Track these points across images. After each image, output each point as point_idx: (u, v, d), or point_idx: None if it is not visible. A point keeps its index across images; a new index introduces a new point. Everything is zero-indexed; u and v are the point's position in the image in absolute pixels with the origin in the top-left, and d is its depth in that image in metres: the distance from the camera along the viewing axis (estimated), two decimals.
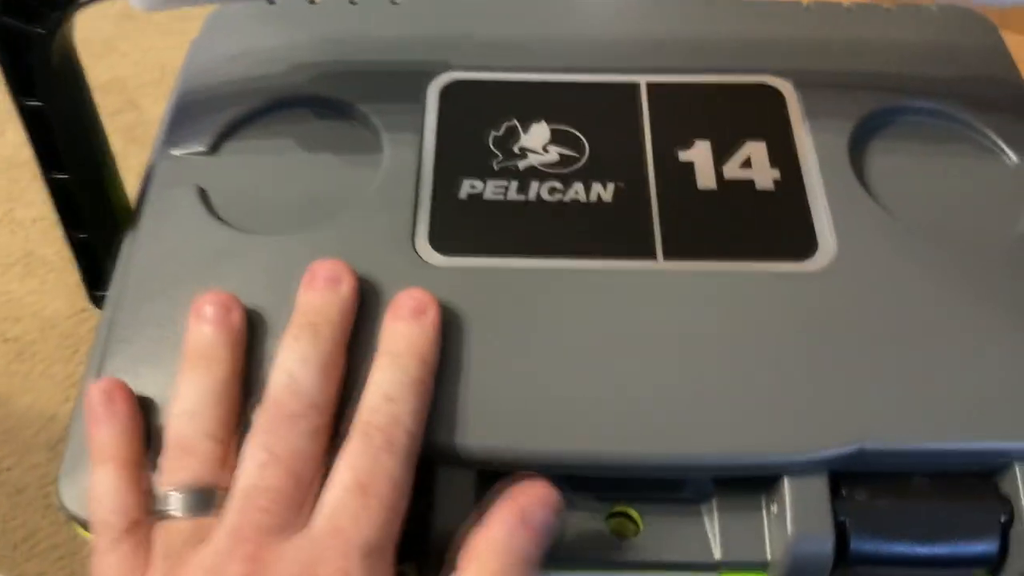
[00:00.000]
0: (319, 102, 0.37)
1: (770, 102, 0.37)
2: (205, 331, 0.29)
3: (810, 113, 0.36)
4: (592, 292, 0.31)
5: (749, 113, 0.36)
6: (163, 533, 0.26)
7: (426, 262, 0.32)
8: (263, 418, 0.27)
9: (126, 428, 0.28)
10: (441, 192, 0.34)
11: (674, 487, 0.30)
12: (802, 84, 0.37)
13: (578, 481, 0.30)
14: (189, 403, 0.28)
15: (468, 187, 0.34)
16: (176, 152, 0.35)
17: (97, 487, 0.27)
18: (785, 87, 0.37)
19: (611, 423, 0.29)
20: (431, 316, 0.29)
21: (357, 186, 0.34)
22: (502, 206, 0.33)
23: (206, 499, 0.26)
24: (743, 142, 0.35)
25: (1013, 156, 0.36)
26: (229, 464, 0.27)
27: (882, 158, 0.36)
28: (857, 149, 0.35)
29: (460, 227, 0.33)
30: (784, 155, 0.35)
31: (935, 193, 0.34)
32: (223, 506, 0.26)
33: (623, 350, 0.30)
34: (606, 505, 0.30)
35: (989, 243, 0.33)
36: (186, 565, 0.25)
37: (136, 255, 0.32)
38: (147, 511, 0.27)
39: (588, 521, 0.30)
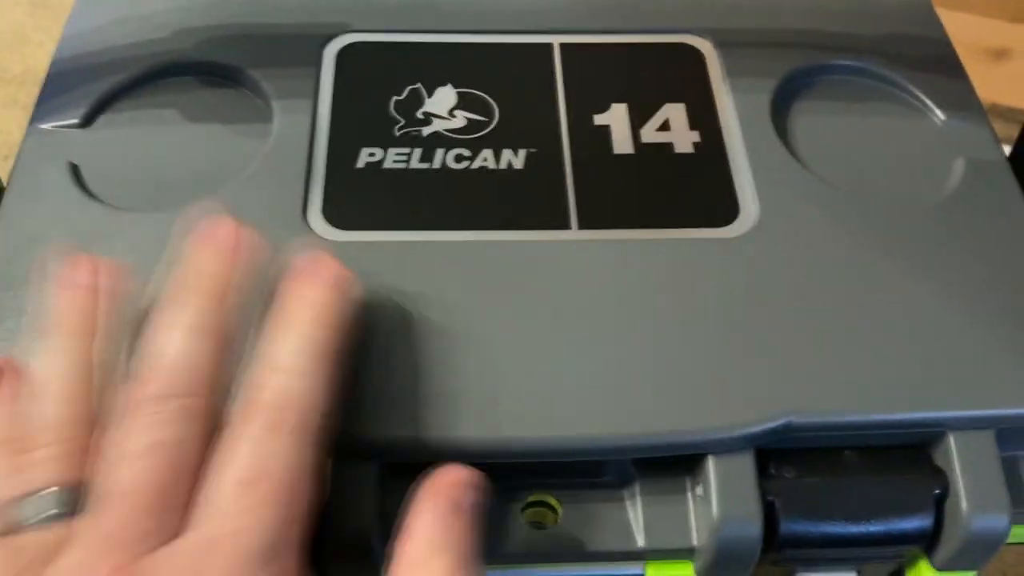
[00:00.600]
0: (205, 68, 0.34)
1: (689, 62, 0.35)
2: (71, 296, 0.25)
3: (731, 73, 0.34)
4: (502, 266, 0.29)
5: (667, 74, 0.34)
6: (9, 549, 0.21)
7: (320, 237, 0.29)
8: (132, 399, 0.23)
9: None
10: (336, 162, 0.31)
11: (593, 472, 0.28)
12: (722, 43, 0.35)
13: (491, 470, 0.28)
14: (47, 380, 0.23)
15: (367, 156, 0.31)
16: (45, 126, 0.32)
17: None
18: (704, 46, 0.35)
19: (523, 406, 0.26)
20: (344, 282, 0.25)
21: (244, 158, 0.31)
22: (404, 175, 0.31)
23: (65, 501, 0.22)
24: (661, 104, 0.33)
25: (940, 114, 0.34)
26: (94, 457, 0.23)
27: (805, 118, 0.34)
28: (780, 109, 0.34)
29: (358, 199, 0.30)
30: (704, 117, 0.33)
31: (861, 153, 0.33)
32: (89, 507, 0.22)
33: (535, 328, 0.28)
34: (522, 494, 0.28)
35: (917, 204, 0.31)
36: None
37: None
38: None
39: (503, 513, 0.28)
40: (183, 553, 0.21)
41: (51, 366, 0.24)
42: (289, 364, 0.23)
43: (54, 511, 0.22)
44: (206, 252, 0.25)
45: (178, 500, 0.22)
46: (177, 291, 0.24)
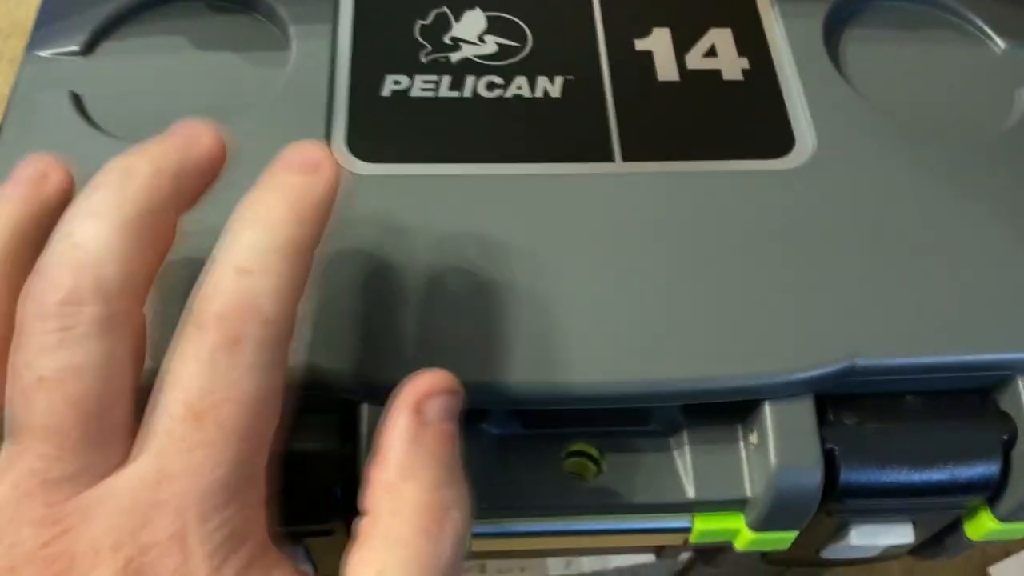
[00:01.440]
0: None
1: None
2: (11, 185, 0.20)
3: None
4: (541, 200, 0.27)
5: None
6: None
7: (345, 170, 0.27)
8: (30, 310, 0.18)
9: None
10: (360, 90, 0.29)
11: (639, 419, 0.27)
12: None
13: (529, 417, 0.26)
14: None
15: (392, 83, 0.29)
16: (44, 53, 0.30)
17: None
18: None
19: (567, 350, 0.24)
20: (326, 172, 0.21)
21: (260, 87, 0.29)
22: (432, 104, 0.29)
23: None
24: (707, 29, 0.31)
25: (1000, 43, 0.32)
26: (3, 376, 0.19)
27: (859, 46, 0.32)
28: (832, 36, 0.31)
29: (383, 129, 0.28)
30: (753, 43, 0.31)
31: (919, 82, 0.31)
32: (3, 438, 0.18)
33: (578, 267, 0.26)
34: (562, 443, 0.27)
35: (980, 135, 0.29)
36: None
37: None
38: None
39: (542, 462, 0.26)
40: (125, 492, 0.18)
41: None
42: (253, 263, 0.19)
43: None
44: (164, 138, 0.21)
45: (113, 430, 0.18)
46: (106, 171, 0.20)
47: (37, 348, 0.18)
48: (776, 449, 0.25)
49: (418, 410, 0.20)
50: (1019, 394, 0.26)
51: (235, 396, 0.18)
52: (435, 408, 0.20)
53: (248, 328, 0.18)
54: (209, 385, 0.18)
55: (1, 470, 0.18)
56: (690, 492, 0.26)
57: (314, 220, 0.20)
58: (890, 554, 0.31)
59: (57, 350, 0.18)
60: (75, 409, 0.18)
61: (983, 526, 0.28)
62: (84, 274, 0.18)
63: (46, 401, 0.18)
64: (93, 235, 0.18)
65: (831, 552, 0.30)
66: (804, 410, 0.25)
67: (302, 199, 0.20)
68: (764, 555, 0.31)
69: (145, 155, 0.20)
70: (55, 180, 0.21)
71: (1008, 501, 0.26)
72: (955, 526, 0.29)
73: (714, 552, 0.31)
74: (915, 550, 0.32)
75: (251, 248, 0.19)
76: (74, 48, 0.30)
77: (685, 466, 0.26)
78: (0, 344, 0.19)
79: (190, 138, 0.21)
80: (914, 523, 0.28)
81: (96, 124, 0.28)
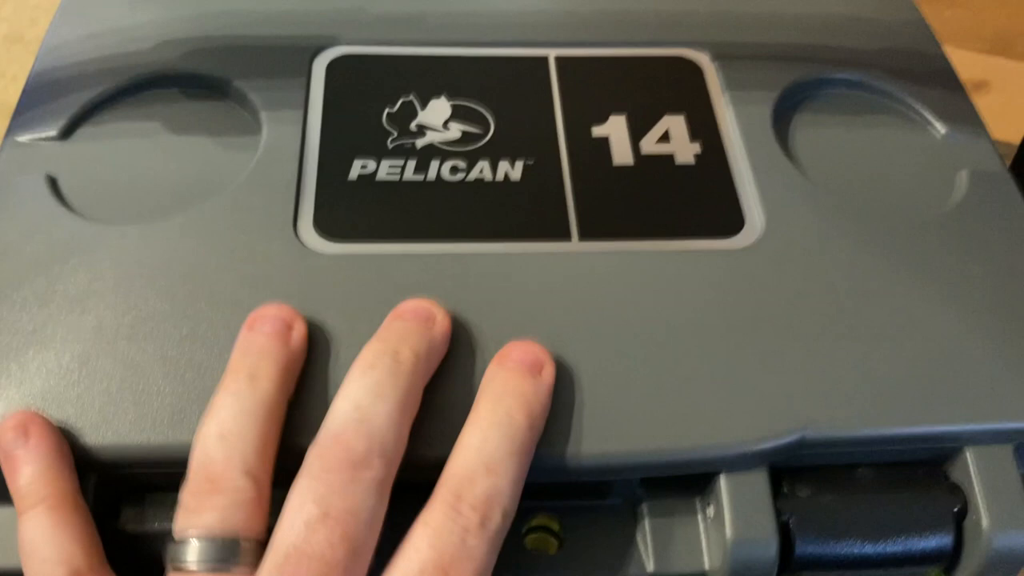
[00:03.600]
0: (191, 80, 0.32)
1: (688, 76, 0.34)
2: (255, 342, 0.24)
3: (730, 85, 0.34)
4: (500, 278, 0.28)
5: (666, 87, 0.34)
6: None
7: (310, 249, 0.28)
8: (317, 460, 0.22)
9: (51, 464, 0.23)
10: (328, 173, 0.30)
11: (598, 493, 0.27)
12: (720, 56, 0.35)
13: None
14: (224, 422, 0.23)
15: (359, 167, 0.30)
16: (23, 138, 0.31)
17: (28, 535, 0.23)
18: (702, 60, 0.35)
19: None
20: (548, 375, 0.25)
21: (231, 171, 0.30)
22: (398, 187, 0.30)
23: (231, 550, 0.22)
24: (661, 116, 0.33)
25: (940, 127, 0.34)
26: (263, 507, 0.22)
27: (807, 130, 0.33)
28: (780, 121, 0.33)
29: (350, 210, 0.29)
30: (705, 128, 0.32)
31: (865, 165, 0.32)
32: (251, 563, 0.22)
33: (536, 340, 0.26)
34: (523, 518, 0.27)
35: (923, 215, 0.31)
36: None
37: None
38: (95, 558, 0.23)
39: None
40: None
41: (228, 408, 0.23)
42: (497, 466, 0.23)
43: (218, 560, 0.22)
44: (406, 320, 0.25)
45: (346, 572, 0.21)
46: (376, 354, 0.24)
47: (327, 488, 0.22)
48: (732, 521, 0.25)
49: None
50: (968, 465, 0.27)
51: (472, 565, 0.22)
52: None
53: (491, 514, 0.23)
54: (458, 554, 0.22)
55: None
56: (650, 566, 0.26)
57: (542, 419, 0.24)
58: None
59: (343, 493, 0.22)
60: (347, 544, 0.21)
61: None
62: (371, 441, 0.22)
63: (325, 533, 0.21)
64: (379, 411, 0.23)
65: None
66: (758, 482, 0.26)
67: (533, 401, 0.24)
68: None
69: (406, 342, 0.24)
70: (300, 332, 0.25)
71: (964, 572, 0.27)
72: None
73: None
74: None
75: (496, 450, 0.23)
76: (52, 133, 0.31)
77: (645, 539, 0.27)
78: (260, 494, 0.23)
79: (428, 320, 0.26)
80: None
81: (70, 206, 0.29)
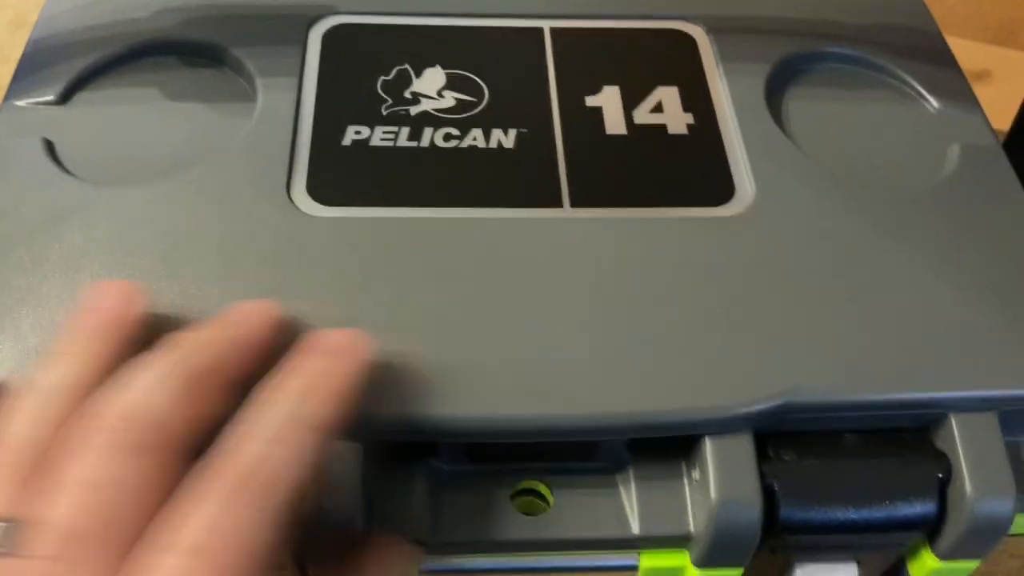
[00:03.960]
0: (187, 47, 0.33)
1: (681, 48, 0.34)
2: (84, 320, 0.23)
3: (724, 58, 0.34)
4: (491, 242, 0.28)
5: (659, 59, 0.34)
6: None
7: (303, 212, 0.28)
8: (78, 426, 0.21)
9: None
10: (322, 139, 0.30)
11: (586, 455, 0.27)
12: (714, 30, 0.35)
13: (480, 453, 0.27)
14: (30, 400, 0.22)
15: (353, 133, 0.30)
16: (20, 103, 0.31)
17: None
18: (697, 32, 0.35)
19: (514, 384, 0.25)
20: (357, 355, 0.24)
21: (226, 136, 0.30)
22: (392, 153, 0.30)
23: (13, 532, 0.20)
24: (654, 87, 0.33)
25: (933, 102, 0.34)
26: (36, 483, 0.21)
27: (799, 103, 0.33)
28: (774, 94, 0.33)
29: (343, 175, 0.29)
30: (698, 100, 0.33)
31: (857, 138, 0.32)
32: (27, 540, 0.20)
33: (527, 304, 0.27)
34: (512, 480, 0.27)
35: (914, 187, 0.31)
36: None
37: None
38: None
39: (492, 498, 0.27)
40: None
41: (40, 385, 0.22)
42: (267, 433, 0.21)
43: (8, 543, 0.20)
44: (230, 321, 0.24)
45: (110, 550, 0.20)
46: (185, 336, 0.23)
47: (75, 461, 0.20)
48: (716, 483, 0.25)
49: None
50: (953, 432, 0.27)
51: (230, 546, 0.20)
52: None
53: (251, 487, 0.20)
54: (208, 532, 0.20)
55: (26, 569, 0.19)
56: (635, 528, 0.27)
57: (331, 399, 0.23)
58: None
59: (100, 461, 0.20)
60: (100, 519, 0.20)
61: (925, 565, 0.28)
62: (143, 412, 0.21)
63: (70, 501, 0.20)
64: (160, 388, 0.21)
65: None
66: (743, 446, 0.26)
67: (332, 379, 0.23)
68: None
69: (219, 339, 0.23)
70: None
71: (946, 538, 0.27)
72: (899, 568, 0.30)
73: None
74: None
75: (266, 420, 0.22)
76: (50, 98, 0.31)
77: (631, 503, 0.27)
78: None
79: (240, 320, 0.24)
80: (858, 563, 0.29)
81: (66, 168, 0.29)
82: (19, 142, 0.30)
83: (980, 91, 0.37)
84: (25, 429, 0.22)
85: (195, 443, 0.22)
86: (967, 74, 0.35)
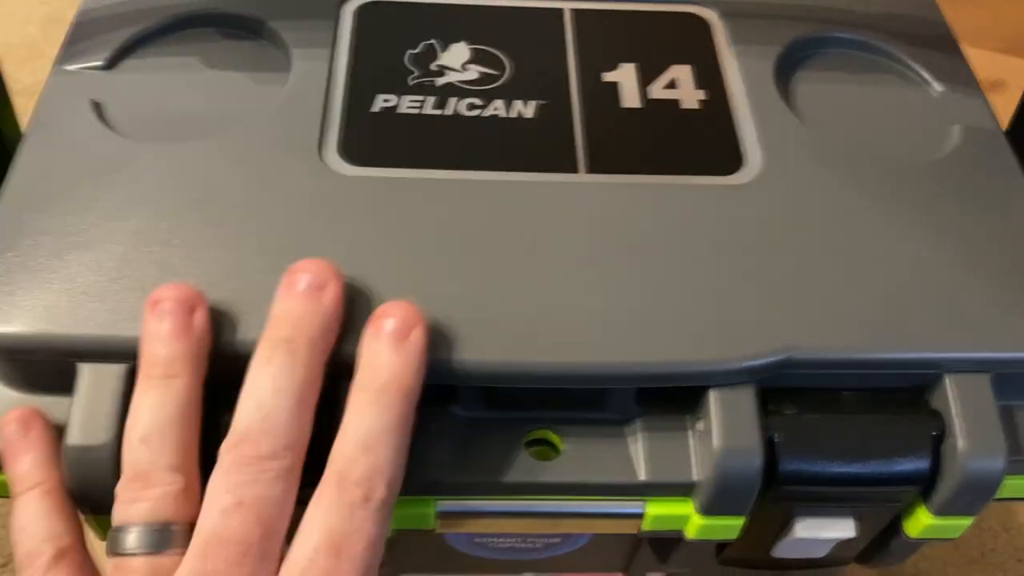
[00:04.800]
0: (227, 20, 0.35)
1: (695, 30, 0.36)
2: (163, 335, 0.25)
3: (736, 40, 0.35)
4: (511, 203, 0.30)
5: (674, 39, 0.36)
6: (116, 570, 0.24)
7: (335, 171, 0.30)
8: (229, 456, 0.24)
9: (45, 455, 0.26)
10: (352, 105, 0.32)
11: (596, 406, 0.29)
12: (728, 14, 0.36)
13: (494, 401, 0.29)
14: (143, 427, 0.25)
15: (382, 101, 0.32)
16: (70, 67, 0.33)
17: (21, 517, 0.26)
18: (710, 16, 0.37)
19: (529, 333, 0.27)
20: (417, 339, 0.26)
21: (262, 100, 0.32)
22: (418, 119, 0.32)
23: (164, 536, 0.24)
24: (669, 65, 0.34)
25: (937, 86, 0.35)
26: (190, 495, 0.25)
27: (808, 84, 0.35)
28: (783, 75, 0.35)
29: (372, 138, 0.31)
30: (710, 78, 0.34)
31: (861, 117, 0.34)
32: (182, 546, 0.24)
33: (543, 259, 0.28)
34: (525, 427, 0.29)
35: (911, 164, 0.32)
36: None
37: (20, 165, 0.30)
38: (79, 539, 0.25)
39: (506, 444, 0.28)
40: None
41: (149, 411, 0.25)
42: (374, 444, 0.25)
43: (146, 546, 0.24)
44: (296, 297, 0.26)
45: (261, 554, 0.24)
46: (272, 345, 0.25)
47: (239, 479, 0.24)
48: (719, 433, 0.27)
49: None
50: (948, 392, 0.28)
51: (359, 544, 0.24)
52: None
53: (373, 489, 0.24)
54: (347, 530, 0.24)
55: (188, 567, 0.23)
56: (642, 475, 0.28)
57: (415, 387, 0.25)
58: (838, 554, 0.32)
59: (253, 483, 0.24)
60: (260, 527, 0.24)
61: (920, 522, 0.29)
62: (275, 437, 0.24)
63: (240, 519, 0.23)
64: (279, 407, 0.25)
65: (781, 550, 0.32)
66: (746, 398, 0.27)
67: (403, 372, 0.25)
68: (719, 554, 0.33)
69: (298, 328, 0.25)
70: (202, 314, 0.26)
71: (940, 494, 0.28)
72: (896, 526, 0.31)
73: (670, 548, 0.32)
74: (862, 556, 0.34)
75: (370, 428, 0.25)
76: (98, 63, 0.33)
77: (638, 452, 0.28)
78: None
79: (318, 292, 0.26)
80: (856, 518, 0.30)
81: (113, 127, 0.31)
82: (70, 103, 0.32)
83: (994, 100, 0.39)
84: (146, 455, 0.25)
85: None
86: (981, 84, 0.36)
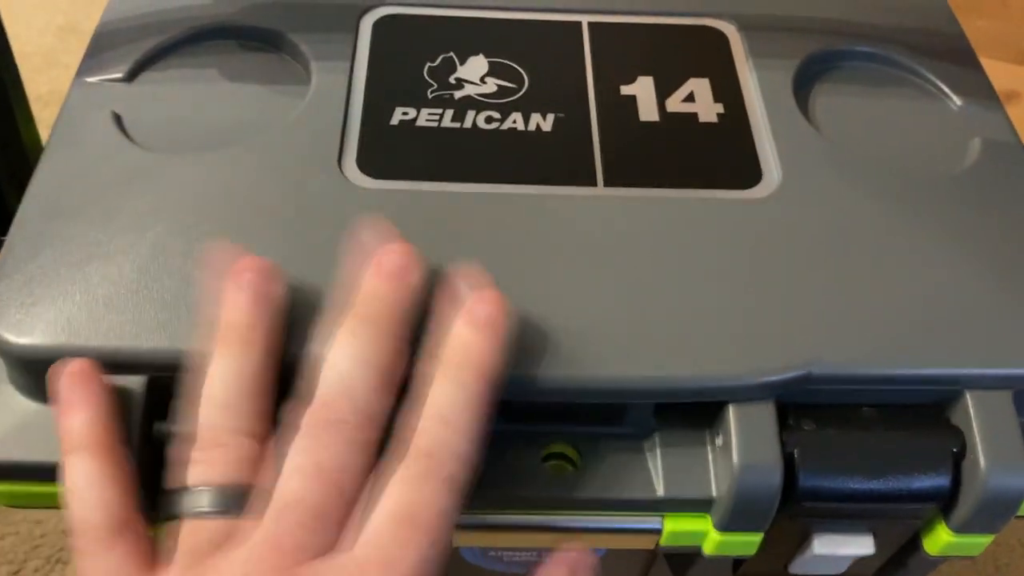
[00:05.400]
0: (247, 32, 0.35)
1: (714, 43, 0.36)
2: (241, 304, 0.26)
3: (754, 53, 0.35)
4: (528, 216, 0.30)
5: (692, 53, 0.35)
6: (190, 530, 0.24)
7: (353, 184, 0.30)
8: (309, 421, 0.24)
9: (102, 414, 0.25)
10: (371, 118, 0.32)
11: (614, 421, 0.29)
12: (746, 27, 0.36)
13: (512, 414, 0.28)
14: (221, 391, 0.25)
15: (400, 114, 0.32)
16: (91, 79, 0.33)
17: (75, 478, 0.24)
18: (728, 29, 0.37)
19: (548, 347, 0.27)
20: (504, 327, 0.26)
21: (282, 113, 0.32)
22: (436, 132, 0.32)
23: (238, 498, 0.24)
24: (686, 79, 0.34)
25: (956, 100, 0.35)
26: (265, 461, 0.24)
27: (826, 98, 0.35)
28: (801, 88, 0.35)
29: (391, 151, 0.31)
30: (728, 91, 0.34)
31: (880, 130, 0.34)
32: (256, 509, 0.24)
33: (560, 274, 0.28)
34: (544, 441, 0.29)
35: (931, 177, 0.32)
36: (214, 568, 0.23)
37: (41, 176, 0.30)
38: (132, 507, 0.24)
39: (524, 458, 0.28)
40: (336, 569, 0.23)
41: (224, 376, 0.25)
42: (451, 418, 0.25)
43: (221, 506, 0.24)
44: (383, 278, 0.26)
45: (336, 520, 0.24)
46: (358, 319, 0.26)
47: (303, 448, 0.24)
48: (738, 448, 0.27)
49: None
50: (968, 409, 0.28)
51: (427, 513, 0.23)
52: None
53: (442, 466, 0.24)
54: (410, 503, 0.23)
55: (264, 528, 0.23)
56: (660, 491, 0.28)
57: (496, 371, 0.25)
58: (856, 571, 0.32)
59: (317, 452, 0.24)
60: (336, 494, 0.23)
61: (939, 539, 0.29)
62: (355, 406, 0.24)
63: (317, 484, 0.23)
64: (359, 378, 0.25)
65: (799, 567, 0.32)
66: (765, 414, 0.27)
67: (486, 355, 0.25)
68: (736, 569, 0.33)
69: (385, 305, 0.26)
70: (280, 287, 0.27)
71: (960, 512, 0.28)
72: (915, 543, 0.31)
73: (687, 563, 0.32)
74: (880, 573, 0.33)
75: (450, 403, 0.25)
76: (118, 75, 0.33)
77: (656, 467, 0.28)
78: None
79: (404, 275, 0.26)
80: (874, 534, 0.30)
81: (133, 139, 0.31)
82: (90, 115, 0.32)
83: (1009, 111, 0.39)
84: (222, 419, 0.25)
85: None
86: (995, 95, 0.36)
